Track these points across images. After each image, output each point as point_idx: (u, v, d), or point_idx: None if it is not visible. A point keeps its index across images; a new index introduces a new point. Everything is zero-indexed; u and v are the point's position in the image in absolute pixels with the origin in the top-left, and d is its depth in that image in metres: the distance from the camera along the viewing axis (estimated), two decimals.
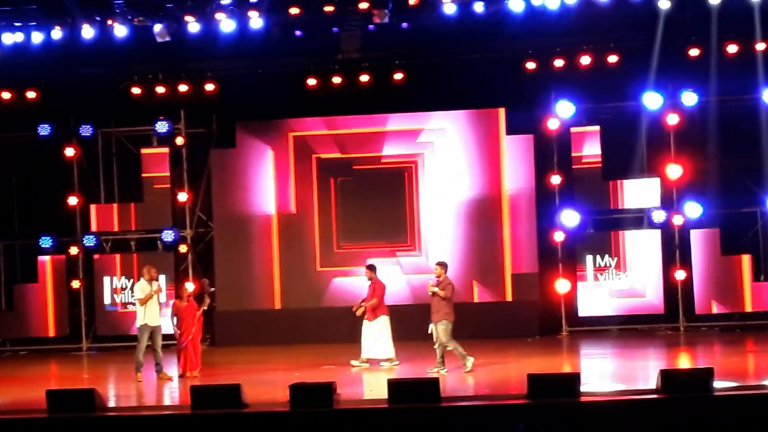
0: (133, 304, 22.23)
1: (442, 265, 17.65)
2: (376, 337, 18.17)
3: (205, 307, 18.16)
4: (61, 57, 21.04)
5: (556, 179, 22.52)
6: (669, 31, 20.79)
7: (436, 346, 17.23)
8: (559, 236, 22.40)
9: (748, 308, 21.92)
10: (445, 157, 22.78)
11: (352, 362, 18.18)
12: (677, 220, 22.12)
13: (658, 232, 22.23)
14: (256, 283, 22.91)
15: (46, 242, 23.09)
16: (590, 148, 22.38)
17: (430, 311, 17.33)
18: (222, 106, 23.21)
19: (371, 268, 18.80)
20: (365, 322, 18.32)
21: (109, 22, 20.10)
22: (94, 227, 23.10)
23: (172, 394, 16.44)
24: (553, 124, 22.48)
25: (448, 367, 16.96)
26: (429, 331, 17.31)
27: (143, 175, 23.06)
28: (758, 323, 21.68)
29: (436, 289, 17.23)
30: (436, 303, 17.26)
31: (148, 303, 17.63)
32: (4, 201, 23.65)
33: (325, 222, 22.91)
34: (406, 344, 18.59)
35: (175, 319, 17.85)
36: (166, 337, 18.06)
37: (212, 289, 18.66)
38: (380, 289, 18.46)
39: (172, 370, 18.08)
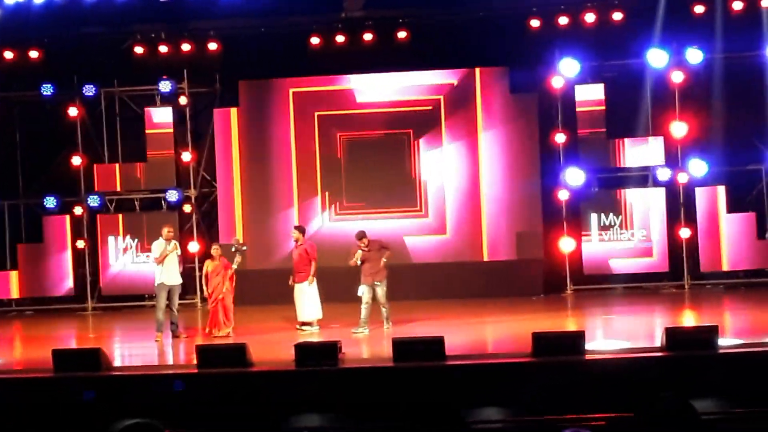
0: (143, 263, 22.39)
1: (363, 234, 17.62)
2: (305, 299, 17.96)
3: (236, 266, 18.05)
4: (63, 16, 20.96)
5: (560, 137, 22.44)
6: None
7: (363, 306, 17.28)
8: (563, 195, 22.35)
9: (754, 266, 21.92)
10: (449, 116, 22.70)
11: (299, 327, 17.97)
12: (682, 178, 22.06)
13: (662, 191, 22.18)
14: (260, 243, 22.89)
15: (50, 202, 23.07)
16: (595, 107, 22.28)
17: (361, 274, 17.41)
18: (225, 66, 23.14)
19: (300, 230, 18.52)
20: (297, 287, 18.02)
21: None
22: (97, 187, 23.08)
23: (178, 353, 16.48)
24: (557, 83, 22.36)
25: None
26: (360, 293, 17.35)
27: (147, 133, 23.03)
28: (763, 281, 21.65)
29: (360, 253, 17.37)
30: (372, 266, 17.36)
31: (165, 262, 17.60)
32: (8, 161, 23.57)
33: (329, 180, 22.87)
34: (400, 303, 18.72)
35: (204, 278, 17.87)
36: (182, 296, 18.05)
37: (245, 247, 18.54)
38: (313, 250, 18.13)
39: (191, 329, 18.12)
